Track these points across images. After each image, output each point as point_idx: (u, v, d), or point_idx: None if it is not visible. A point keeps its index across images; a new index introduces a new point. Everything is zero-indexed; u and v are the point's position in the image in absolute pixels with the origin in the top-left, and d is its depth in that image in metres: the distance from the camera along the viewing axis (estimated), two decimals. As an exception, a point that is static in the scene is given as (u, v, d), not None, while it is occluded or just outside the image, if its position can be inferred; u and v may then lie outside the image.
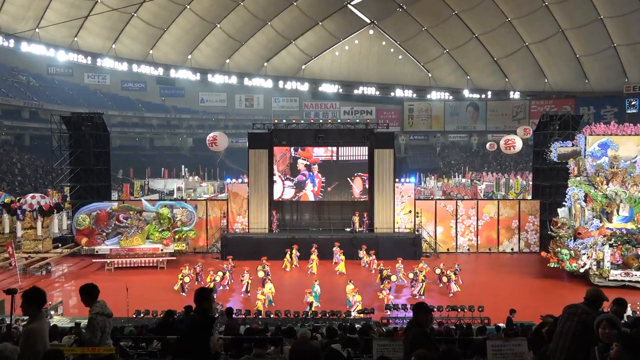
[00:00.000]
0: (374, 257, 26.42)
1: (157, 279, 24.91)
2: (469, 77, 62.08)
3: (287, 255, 26.80)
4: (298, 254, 27.34)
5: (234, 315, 13.52)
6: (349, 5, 55.41)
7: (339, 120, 38.26)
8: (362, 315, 18.13)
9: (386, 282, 21.16)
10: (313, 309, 18.80)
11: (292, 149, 31.30)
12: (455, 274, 22.39)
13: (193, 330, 5.34)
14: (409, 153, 67.72)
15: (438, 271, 22.93)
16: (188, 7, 52.10)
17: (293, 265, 26.97)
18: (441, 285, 22.67)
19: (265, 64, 62.26)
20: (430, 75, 63.31)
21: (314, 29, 57.82)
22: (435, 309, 18.28)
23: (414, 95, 65.71)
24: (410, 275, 22.48)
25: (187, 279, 22.32)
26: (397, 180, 31.92)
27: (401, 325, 16.00)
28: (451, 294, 21.48)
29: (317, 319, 17.49)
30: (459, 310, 17.83)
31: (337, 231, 30.34)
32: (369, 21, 58.54)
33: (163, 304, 18.76)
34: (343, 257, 26.17)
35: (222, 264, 24.86)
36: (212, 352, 5.51)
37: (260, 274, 22.19)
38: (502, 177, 47.21)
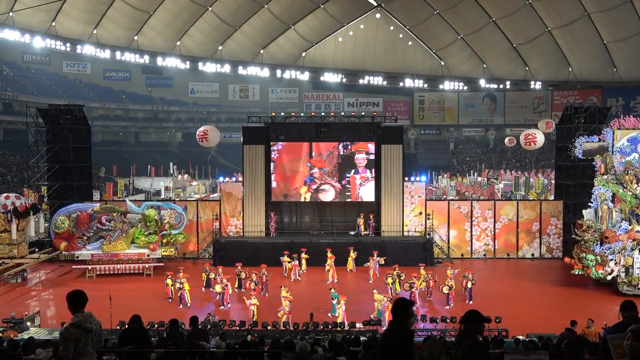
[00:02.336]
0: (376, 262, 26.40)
1: (143, 287, 24.97)
2: (485, 66, 61.99)
3: (286, 258, 26.77)
4: (302, 256, 27.37)
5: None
6: (353, -13, 55.43)
7: (342, 113, 38.31)
8: (368, 326, 18.14)
9: (414, 293, 21.49)
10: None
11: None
12: (465, 284, 22.34)
13: (393, 350, 4.92)
14: (419, 149, 67.74)
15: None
16: (177, -12, 52.15)
17: (302, 271, 27.00)
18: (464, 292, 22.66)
19: (262, 51, 62.25)
20: (442, 63, 63.23)
21: (315, 12, 57.77)
22: (448, 320, 18.33)
23: (425, 85, 65.67)
24: (469, 284, 22.37)
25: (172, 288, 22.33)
26: (406, 179, 31.91)
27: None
28: (447, 307, 21.39)
29: (318, 330, 17.51)
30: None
31: (341, 234, 30.34)
32: (375, 4, 58.47)
33: (150, 313, 18.82)
34: (332, 263, 26.13)
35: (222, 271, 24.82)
36: None
37: (252, 285, 22.15)
38: (521, 176, 47.19)
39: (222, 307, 21.41)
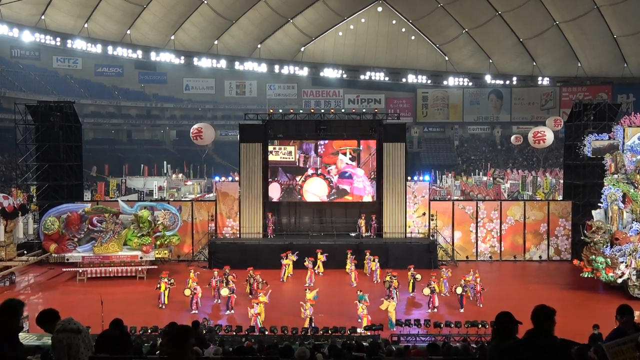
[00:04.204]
0: (378, 264, 26.52)
1: (135, 291, 24.93)
2: (491, 61, 62.00)
3: (286, 260, 26.81)
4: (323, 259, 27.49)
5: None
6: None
7: (342, 110, 38.35)
8: (369, 332, 18.14)
9: (390, 292, 21.49)
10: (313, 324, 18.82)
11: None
12: (454, 290, 22.32)
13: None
14: (422, 147, 67.74)
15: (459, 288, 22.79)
16: (171, -20, 52.17)
17: (319, 273, 27.18)
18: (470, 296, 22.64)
19: (259, 46, 62.23)
20: (447, 58, 63.24)
21: (314, 5, 57.75)
22: (452, 325, 18.32)
23: (429, 81, 65.68)
24: (459, 290, 22.08)
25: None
26: (409, 178, 31.93)
27: (414, 343, 16.00)
28: (434, 310, 21.45)
29: (318, 336, 17.52)
30: (480, 326, 17.83)
31: (341, 236, 30.34)
32: (377, -3, 58.52)
33: (143, 318, 18.84)
34: (353, 267, 26.20)
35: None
36: None
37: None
38: (528, 175, 47.20)
39: (191, 312, 21.38)
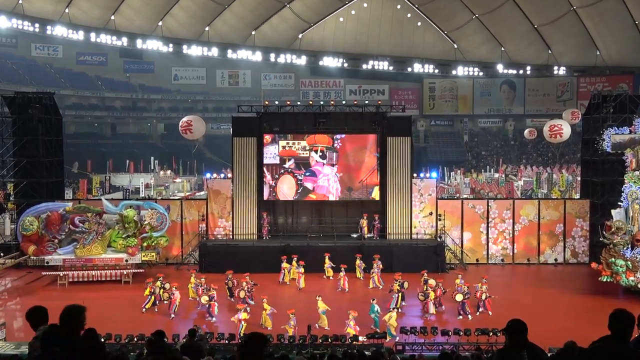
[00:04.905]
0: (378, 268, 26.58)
1: (121, 296, 24.97)
2: (503, 49, 61.97)
3: (285, 264, 26.91)
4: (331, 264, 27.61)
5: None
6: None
7: (343, 102, 38.34)
8: (371, 340, 18.18)
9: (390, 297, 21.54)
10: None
11: None
12: (454, 296, 22.34)
13: None
14: (429, 142, 67.81)
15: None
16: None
17: (327, 277, 27.32)
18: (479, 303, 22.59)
19: (253, 33, 62.14)
20: (455, 46, 63.20)
21: (313, -11, 57.77)
22: (461, 333, 18.36)
23: (436, 71, 65.69)
24: (459, 297, 22.13)
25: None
26: (415, 175, 31.95)
27: (420, 352, 16.03)
28: (430, 317, 21.57)
29: (317, 344, 17.56)
30: (491, 334, 17.86)
31: (342, 237, 30.36)
32: (380, -20, 58.47)
33: (129, 325, 18.87)
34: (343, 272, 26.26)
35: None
36: None
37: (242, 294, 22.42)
38: (543, 172, 47.24)
39: (172, 317, 21.74)
